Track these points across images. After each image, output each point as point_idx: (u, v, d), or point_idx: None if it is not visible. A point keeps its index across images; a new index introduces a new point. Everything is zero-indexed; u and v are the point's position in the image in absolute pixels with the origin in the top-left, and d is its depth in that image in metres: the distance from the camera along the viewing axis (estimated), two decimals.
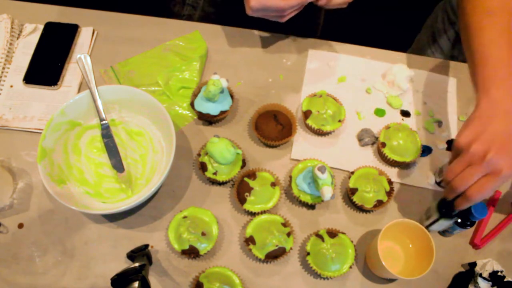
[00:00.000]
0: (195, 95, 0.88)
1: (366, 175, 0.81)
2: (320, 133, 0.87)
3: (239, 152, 0.79)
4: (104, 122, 0.83)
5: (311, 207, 0.83)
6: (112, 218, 0.80)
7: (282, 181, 0.84)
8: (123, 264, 0.76)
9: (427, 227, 0.77)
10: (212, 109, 0.84)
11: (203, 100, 0.84)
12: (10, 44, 0.93)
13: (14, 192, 0.81)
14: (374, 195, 0.79)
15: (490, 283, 0.74)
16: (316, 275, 0.77)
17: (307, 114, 0.86)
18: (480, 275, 0.74)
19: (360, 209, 0.82)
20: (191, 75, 0.91)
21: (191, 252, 0.74)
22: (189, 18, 1.08)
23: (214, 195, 0.83)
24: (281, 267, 0.78)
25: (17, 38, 0.95)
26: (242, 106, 0.91)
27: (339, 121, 0.86)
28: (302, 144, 0.88)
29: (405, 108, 0.92)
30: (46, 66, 0.91)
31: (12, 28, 0.94)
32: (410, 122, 0.91)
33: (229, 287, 0.71)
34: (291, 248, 0.76)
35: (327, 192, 0.73)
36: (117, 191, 0.80)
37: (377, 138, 0.88)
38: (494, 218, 0.83)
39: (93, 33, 0.96)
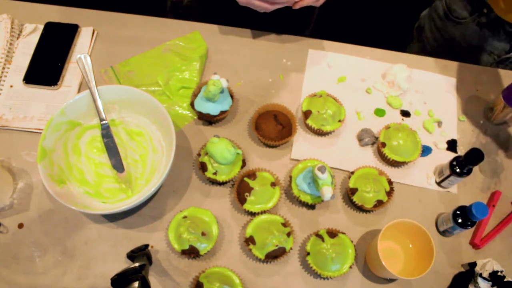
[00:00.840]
0: (195, 95, 0.88)
1: (366, 175, 0.81)
2: (320, 133, 0.87)
3: (239, 152, 0.79)
4: (104, 122, 0.83)
5: (311, 207, 0.83)
6: (112, 218, 0.80)
7: (282, 181, 0.84)
8: (123, 264, 0.76)
9: (439, 183, 0.84)
10: (212, 109, 0.84)
11: (203, 100, 0.84)
12: (10, 44, 0.93)
13: (14, 192, 0.81)
14: (374, 195, 0.79)
15: (490, 283, 0.74)
16: (316, 275, 0.77)
17: (307, 114, 0.86)
18: (480, 275, 0.74)
19: (360, 209, 0.82)
20: (191, 75, 0.91)
21: (191, 252, 0.74)
22: (189, 7, 1.06)
23: (214, 195, 0.82)
24: (281, 267, 0.78)
25: (17, 38, 0.95)
26: (242, 106, 0.91)
27: (339, 121, 0.86)
28: (302, 144, 0.88)
29: (405, 108, 0.92)
30: (46, 66, 0.91)
31: (12, 28, 0.94)
32: (410, 122, 0.91)
33: (229, 287, 0.71)
34: (291, 248, 0.76)
35: (327, 192, 0.73)
36: (117, 191, 0.80)
37: (377, 138, 0.88)
38: (494, 218, 0.83)
39: (93, 33, 0.96)
